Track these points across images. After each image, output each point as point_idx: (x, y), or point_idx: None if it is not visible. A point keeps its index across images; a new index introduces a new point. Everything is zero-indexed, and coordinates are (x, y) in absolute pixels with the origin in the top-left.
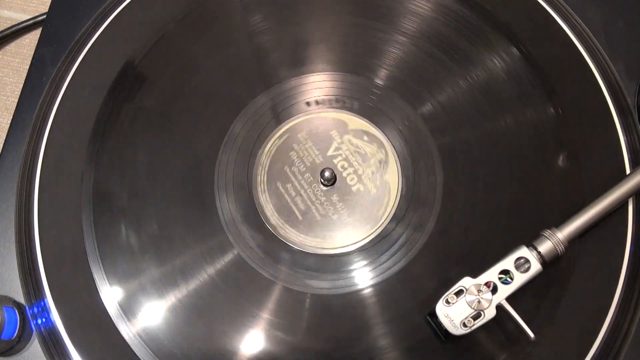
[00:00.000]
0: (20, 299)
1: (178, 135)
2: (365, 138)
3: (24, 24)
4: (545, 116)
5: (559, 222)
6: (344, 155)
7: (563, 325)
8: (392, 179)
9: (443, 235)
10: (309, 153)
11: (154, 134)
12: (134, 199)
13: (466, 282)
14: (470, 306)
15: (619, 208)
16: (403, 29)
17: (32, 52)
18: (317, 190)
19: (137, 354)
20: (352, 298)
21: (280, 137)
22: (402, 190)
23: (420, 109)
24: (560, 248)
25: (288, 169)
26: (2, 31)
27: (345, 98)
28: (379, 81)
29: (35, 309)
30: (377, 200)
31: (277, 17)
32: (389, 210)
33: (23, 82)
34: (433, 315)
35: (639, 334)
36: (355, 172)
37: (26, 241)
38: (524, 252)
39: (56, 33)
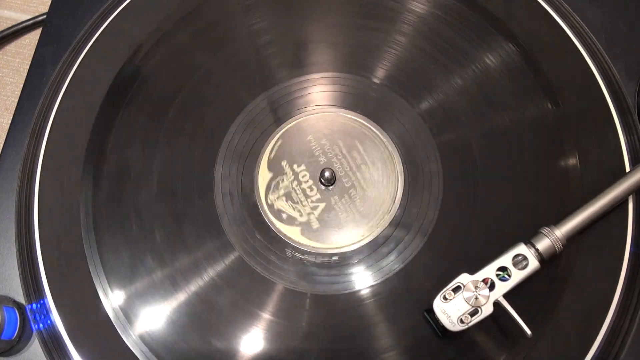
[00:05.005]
0: (20, 299)
1: (178, 135)
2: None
3: (24, 24)
4: (545, 115)
5: (559, 221)
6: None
7: (563, 325)
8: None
9: (443, 233)
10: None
11: (153, 134)
12: (134, 199)
13: (464, 278)
14: (467, 302)
15: (619, 207)
16: (403, 28)
17: (32, 52)
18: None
19: (137, 354)
20: (352, 298)
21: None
22: (402, 189)
23: (420, 108)
24: (559, 246)
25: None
26: (2, 31)
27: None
28: (378, 81)
29: (35, 309)
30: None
31: (277, 17)
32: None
33: (23, 82)
34: (430, 311)
35: (639, 334)
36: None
37: (26, 241)
38: (522, 249)
39: (56, 33)
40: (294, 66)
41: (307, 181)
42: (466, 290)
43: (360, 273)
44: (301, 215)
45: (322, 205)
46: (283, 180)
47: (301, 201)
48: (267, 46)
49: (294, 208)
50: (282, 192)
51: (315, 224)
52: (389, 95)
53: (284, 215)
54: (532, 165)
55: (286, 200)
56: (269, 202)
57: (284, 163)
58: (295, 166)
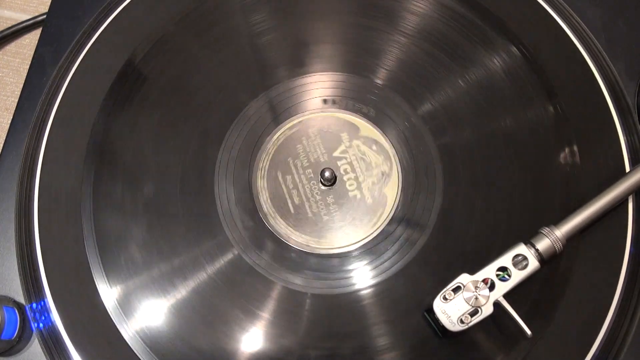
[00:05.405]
0: (20, 299)
1: (178, 135)
2: (367, 139)
3: (24, 24)
4: (545, 116)
5: (559, 221)
6: (345, 157)
7: (563, 325)
8: (392, 178)
9: (442, 234)
10: (310, 153)
11: (153, 135)
12: (134, 199)
13: (464, 278)
14: (467, 303)
15: (619, 207)
16: (403, 28)
17: (32, 52)
18: (319, 190)
19: (137, 354)
20: (352, 298)
21: (280, 136)
22: (402, 190)
23: (421, 109)
24: (558, 246)
25: (288, 168)
26: (2, 31)
27: (345, 98)
28: (379, 81)
29: (35, 309)
30: (378, 200)
31: (277, 17)
32: (389, 209)
33: (23, 82)
34: (430, 311)
35: (639, 334)
36: (355, 172)
37: (26, 241)
38: (521, 249)
39: (56, 33)
40: (295, 66)
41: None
42: (466, 290)
43: (360, 273)
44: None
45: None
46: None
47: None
48: (267, 46)
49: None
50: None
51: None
52: (390, 95)
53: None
54: (532, 165)
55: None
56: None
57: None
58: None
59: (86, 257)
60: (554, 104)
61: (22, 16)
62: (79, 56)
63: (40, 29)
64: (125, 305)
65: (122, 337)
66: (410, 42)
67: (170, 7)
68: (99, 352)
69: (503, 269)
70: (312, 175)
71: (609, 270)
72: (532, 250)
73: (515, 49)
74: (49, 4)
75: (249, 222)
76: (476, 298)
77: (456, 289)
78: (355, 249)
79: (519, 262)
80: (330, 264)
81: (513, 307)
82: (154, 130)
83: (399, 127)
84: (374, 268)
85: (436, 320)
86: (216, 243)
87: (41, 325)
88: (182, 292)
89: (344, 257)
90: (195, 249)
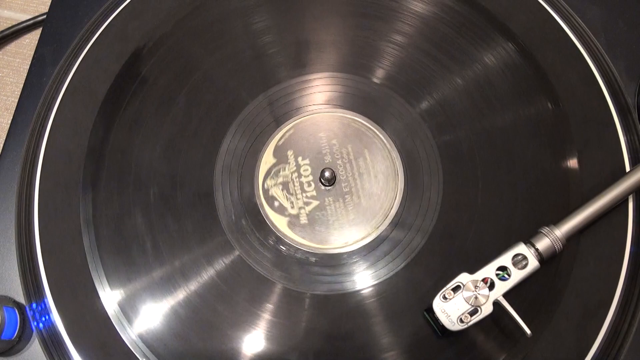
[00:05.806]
0: (20, 299)
1: (178, 135)
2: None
3: (24, 24)
4: (545, 115)
5: (558, 221)
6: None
7: (563, 324)
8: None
9: (443, 233)
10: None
11: (152, 135)
12: (134, 200)
13: (463, 277)
14: (467, 302)
15: (619, 207)
16: (402, 28)
17: (32, 52)
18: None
19: (137, 354)
20: (352, 298)
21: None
22: (402, 189)
23: (420, 108)
24: (558, 245)
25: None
26: (2, 31)
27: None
28: (378, 81)
29: (35, 309)
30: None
31: (277, 17)
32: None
33: (23, 82)
34: (430, 310)
35: (639, 334)
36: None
37: (26, 241)
38: (521, 248)
39: (56, 33)
40: (294, 66)
41: (308, 181)
42: (466, 289)
43: (361, 273)
44: (301, 215)
45: (322, 205)
46: (284, 179)
47: (301, 201)
48: (267, 46)
49: (294, 208)
50: (280, 179)
51: (315, 224)
52: (389, 95)
53: (276, 203)
54: (532, 165)
55: (286, 200)
56: (265, 186)
57: (284, 162)
58: (295, 166)
59: (86, 257)
60: (553, 104)
61: (22, 16)
62: (79, 56)
63: (40, 29)
64: (125, 305)
65: (122, 337)
66: (410, 42)
67: (170, 7)
68: (98, 352)
69: (503, 268)
70: (312, 175)
71: (609, 270)
72: (532, 250)
73: (515, 48)
74: (49, 4)
75: (249, 222)
76: (476, 297)
77: (456, 288)
78: (356, 249)
79: (518, 262)
80: (331, 264)
81: (513, 307)
82: (154, 131)
83: (398, 126)
84: (374, 267)
85: (436, 320)
86: (217, 244)
87: (41, 325)
88: (181, 292)
89: (344, 257)
90: (196, 250)
